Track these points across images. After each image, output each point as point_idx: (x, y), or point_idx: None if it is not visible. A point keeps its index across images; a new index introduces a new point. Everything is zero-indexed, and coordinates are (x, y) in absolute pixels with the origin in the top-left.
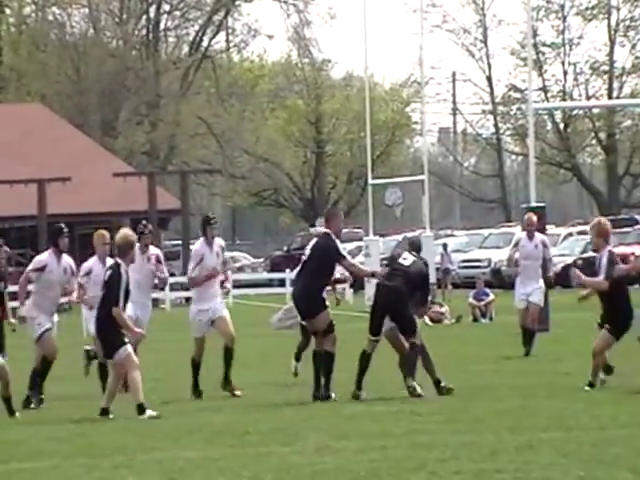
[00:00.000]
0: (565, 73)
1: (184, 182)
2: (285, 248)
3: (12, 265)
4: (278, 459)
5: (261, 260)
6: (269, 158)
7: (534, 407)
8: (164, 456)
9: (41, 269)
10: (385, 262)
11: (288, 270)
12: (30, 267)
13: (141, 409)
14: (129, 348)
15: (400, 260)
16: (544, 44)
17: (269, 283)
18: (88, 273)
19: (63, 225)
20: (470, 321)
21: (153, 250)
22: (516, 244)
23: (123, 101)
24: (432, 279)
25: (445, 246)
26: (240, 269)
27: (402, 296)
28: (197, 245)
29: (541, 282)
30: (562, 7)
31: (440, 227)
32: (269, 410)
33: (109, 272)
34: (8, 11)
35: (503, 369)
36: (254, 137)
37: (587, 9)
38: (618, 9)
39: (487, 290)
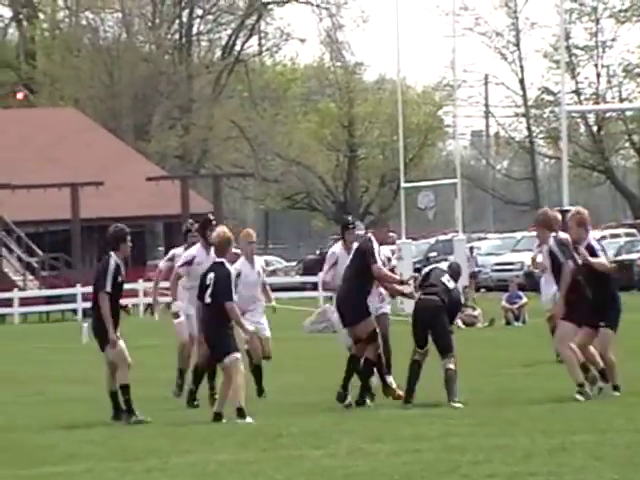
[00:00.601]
0: (598, 75)
1: (217, 186)
2: (318, 252)
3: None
4: (310, 462)
5: (294, 264)
6: (301, 161)
7: (567, 410)
8: (197, 459)
9: (189, 262)
10: (420, 271)
11: (321, 274)
12: (178, 263)
13: (241, 413)
14: (239, 354)
15: (443, 279)
16: (577, 47)
17: (302, 287)
18: (238, 275)
19: (212, 216)
20: (503, 324)
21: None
22: (539, 244)
23: (156, 105)
24: (466, 282)
25: (471, 249)
26: (273, 272)
27: (441, 311)
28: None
29: None
30: (595, 9)
31: (473, 230)
32: (302, 413)
33: (213, 274)
34: (42, 16)
35: (536, 372)
36: (286, 141)
37: (620, 11)
38: None
39: (520, 293)
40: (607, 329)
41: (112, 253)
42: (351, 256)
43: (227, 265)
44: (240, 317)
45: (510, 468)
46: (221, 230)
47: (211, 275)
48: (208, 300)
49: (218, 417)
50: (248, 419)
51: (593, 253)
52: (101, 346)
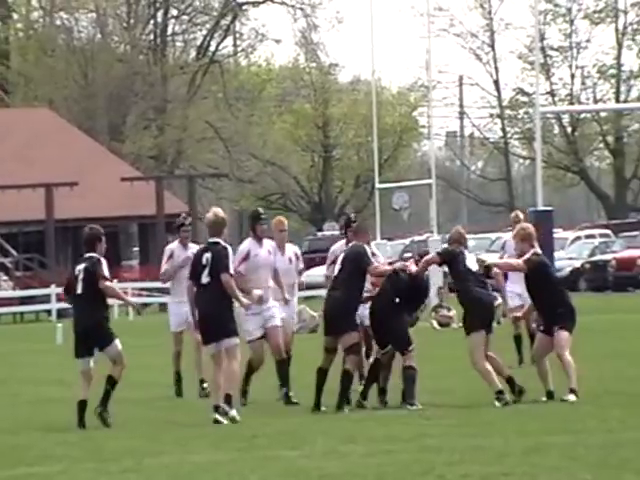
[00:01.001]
0: (572, 77)
1: (191, 186)
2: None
3: (19, 270)
4: (285, 463)
5: None
6: (276, 162)
7: (541, 410)
8: (172, 460)
9: (245, 258)
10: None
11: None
12: (236, 262)
13: (228, 400)
14: (238, 339)
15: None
16: (551, 48)
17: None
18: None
19: (262, 210)
20: None
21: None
22: (503, 246)
23: (131, 106)
24: (440, 283)
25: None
26: None
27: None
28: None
29: None
30: (569, 10)
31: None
32: (277, 414)
33: (209, 253)
34: (16, 16)
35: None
36: (261, 141)
37: (594, 12)
38: (625, 12)
39: (495, 294)
40: (561, 331)
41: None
42: (340, 264)
43: (223, 243)
44: (236, 291)
45: (484, 468)
46: (216, 211)
47: (207, 255)
48: (206, 280)
49: (217, 409)
50: (233, 412)
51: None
52: (100, 346)
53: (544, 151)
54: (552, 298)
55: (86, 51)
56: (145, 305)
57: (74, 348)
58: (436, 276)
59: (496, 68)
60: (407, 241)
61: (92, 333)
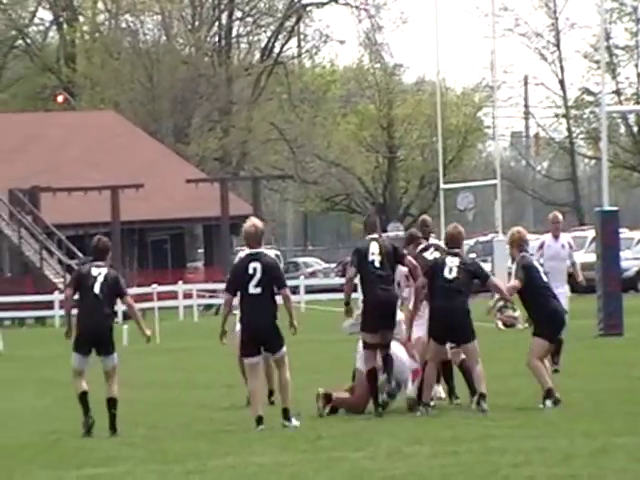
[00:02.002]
0: (639, 75)
1: (256, 188)
2: None
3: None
4: (350, 464)
5: (333, 265)
6: (341, 163)
7: (608, 412)
8: (237, 461)
9: (541, 246)
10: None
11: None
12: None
13: (287, 416)
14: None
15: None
16: (617, 47)
17: (341, 288)
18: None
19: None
20: None
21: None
22: (541, 246)
23: (195, 108)
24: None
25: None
26: (312, 274)
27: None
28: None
29: (566, 287)
30: (635, 9)
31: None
32: (341, 415)
33: (258, 263)
34: (82, 19)
35: (576, 373)
36: (326, 142)
37: None
38: None
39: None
40: (534, 337)
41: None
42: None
43: (272, 254)
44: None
45: (550, 470)
46: (255, 221)
47: (255, 265)
48: (256, 290)
49: (260, 420)
50: (293, 422)
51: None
52: (106, 351)
53: (610, 151)
54: (531, 302)
55: (151, 54)
56: (209, 307)
57: (76, 343)
58: (501, 277)
59: (561, 67)
60: (472, 242)
61: (102, 337)
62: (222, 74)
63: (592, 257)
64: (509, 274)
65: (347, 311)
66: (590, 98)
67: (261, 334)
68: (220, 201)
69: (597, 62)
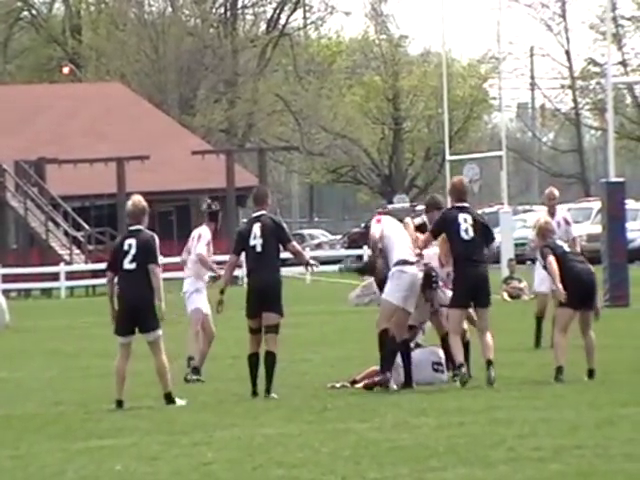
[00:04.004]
0: None
1: (262, 159)
2: (363, 225)
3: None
4: (356, 435)
5: (339, 237)
6: (346, 135)
7: (614, 382)
8: (243, 432)
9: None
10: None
11: (366, 247)
12: None
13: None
14: (161, 331)
15: None
16: (623, 17)
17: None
18: None
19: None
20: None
21: None
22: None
23: (201, 79)
24: (511, 254)
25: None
26: (318, 246)
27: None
28: None
29: None
30: None
31: (519, 203)
32: (346, 390)
33: (133, 240)
34: None
35: (582, 344)
36: (332, 114)
37: None
38: None
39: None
40: (558, 308)
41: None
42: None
43: (148, 232)
44: (161, 284)
45: (556, 441)
46: (136, 199)
47: (130, 241)
48: (130, 266)
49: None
50: (179, 401)
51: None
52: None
53: (616, 122)
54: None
55: (157, 25)
56: (214, 278)
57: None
58: (507, 248)
59: (567, 39)
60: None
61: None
62: (228, 46)
63: (598, 228)
64: (515, 245)
65: (219, 301)
66: (596, 69)
67: (134, 312)
68: (226, 173)
69: (603, 33)
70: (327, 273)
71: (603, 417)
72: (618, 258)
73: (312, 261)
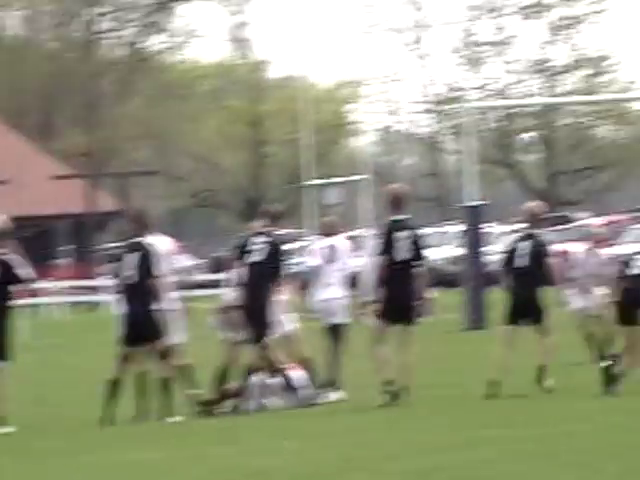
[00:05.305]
0: (503, 72)
1: (123, 184)
2: (226, 249)
3: None
4: (216, 460)
5: (202, 261)
6: (208, 159)
7: (474, 405)
8: (105, 458)
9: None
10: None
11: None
12: None
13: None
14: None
15: None
16: (482, 43)
17: (212, 284)
18: None
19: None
20: None
21: None
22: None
23: (61, 103)
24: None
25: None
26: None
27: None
28: None
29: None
30: (499, 7)
31: (381, 225)
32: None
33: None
34: None
35: (442, 368)
36: (193, 138)
37: (525, 8)
38: (554, 8)
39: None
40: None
41: None
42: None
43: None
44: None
45: (419, 462)
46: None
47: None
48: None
49: None
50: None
51: None
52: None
53: (476, 146)
54: None
55: (15, 49)
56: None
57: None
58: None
59: (427, 64)
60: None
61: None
62: (88, 69)
63: (456, 252)
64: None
65: None
66: (455, 94)
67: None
68: (86, 197)
69: (463, 58)
70: (191, 297)
71: (463, 439)
72: (476, 281)
73: None
